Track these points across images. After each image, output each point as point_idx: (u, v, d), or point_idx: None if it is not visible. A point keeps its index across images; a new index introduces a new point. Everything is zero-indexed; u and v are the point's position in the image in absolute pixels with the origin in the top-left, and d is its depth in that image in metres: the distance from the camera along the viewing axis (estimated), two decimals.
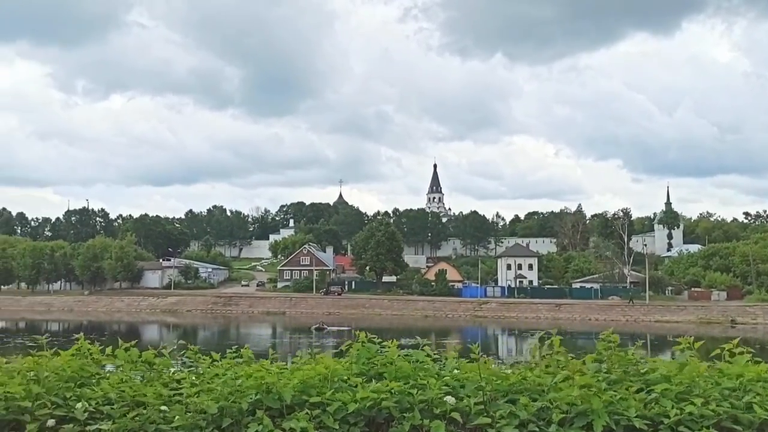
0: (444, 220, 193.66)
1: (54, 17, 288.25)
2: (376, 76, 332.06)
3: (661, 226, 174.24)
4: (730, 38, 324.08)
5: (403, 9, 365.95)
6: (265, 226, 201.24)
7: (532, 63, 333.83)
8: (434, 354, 4.26)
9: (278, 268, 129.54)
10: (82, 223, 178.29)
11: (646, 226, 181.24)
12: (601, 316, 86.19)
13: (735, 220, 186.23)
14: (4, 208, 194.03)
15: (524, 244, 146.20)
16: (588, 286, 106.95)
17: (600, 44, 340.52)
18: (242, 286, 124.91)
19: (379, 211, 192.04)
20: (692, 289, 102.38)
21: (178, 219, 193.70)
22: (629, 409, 3.29)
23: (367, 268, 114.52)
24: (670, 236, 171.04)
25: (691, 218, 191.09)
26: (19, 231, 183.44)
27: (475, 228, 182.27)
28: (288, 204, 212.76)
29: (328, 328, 70.96)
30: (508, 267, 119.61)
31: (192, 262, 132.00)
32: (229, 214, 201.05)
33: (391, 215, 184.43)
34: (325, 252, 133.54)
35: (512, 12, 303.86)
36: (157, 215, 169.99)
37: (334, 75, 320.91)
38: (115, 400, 3.61)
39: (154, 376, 4.09)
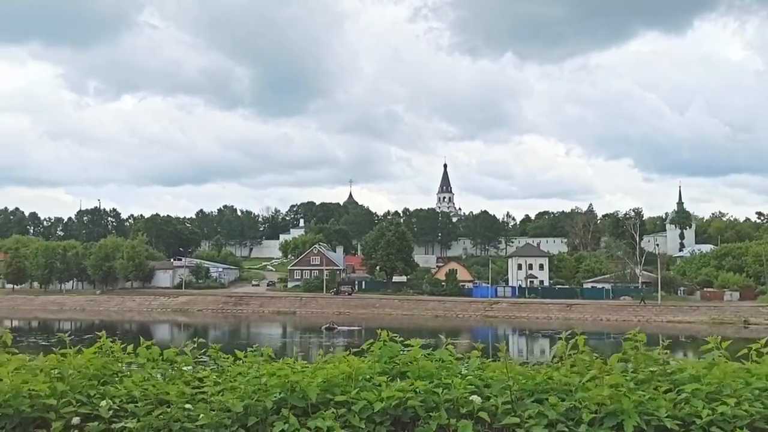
0: (454, 219, 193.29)
1: (66, 18, 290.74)
2: (386, 75, 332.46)
3: (673, 225, 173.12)
4: (742, 37, 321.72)
5: (412, 9, 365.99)
6: (275, 225, 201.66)
7: (542, 62, 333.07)
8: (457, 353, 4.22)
9: (288, 267, 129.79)
10: (94, 223, 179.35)
11: (657, 225, 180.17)
12: (613, 317, 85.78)
13: (747, 219, 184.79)
14: (16, 208, 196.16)
15: (535, 244, 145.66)
16: (599, 286, 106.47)
17: (611, 43, 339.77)
18: (253, 285, 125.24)
19: (389, 211, 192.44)
20: (704, 289, 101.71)
21: (188, 219, 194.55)
22: (659, 409, 3.26)
23: (378, 268, 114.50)
24: (682, 236, 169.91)
25: (703, 218, 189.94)
26: (31, 231, 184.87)
27: (486, 228, 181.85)
28: (298, 204, 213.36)
29: (339, 327, 71.05)
30: (519, 267, 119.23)
31: (203, 261, 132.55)
32: (239, 213, 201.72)
33: (401, 215, 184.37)
34: (335, 252, 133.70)
35: (522, 11, 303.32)
36: (168, 215, 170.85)
37: (344, 75, 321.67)
38: (139, 399, 3.60)
39: (175, 375, 4.08)
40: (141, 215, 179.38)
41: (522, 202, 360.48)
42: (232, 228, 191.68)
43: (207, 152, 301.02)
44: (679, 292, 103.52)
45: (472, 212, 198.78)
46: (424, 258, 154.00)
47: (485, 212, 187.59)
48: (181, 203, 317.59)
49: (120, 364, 4.22)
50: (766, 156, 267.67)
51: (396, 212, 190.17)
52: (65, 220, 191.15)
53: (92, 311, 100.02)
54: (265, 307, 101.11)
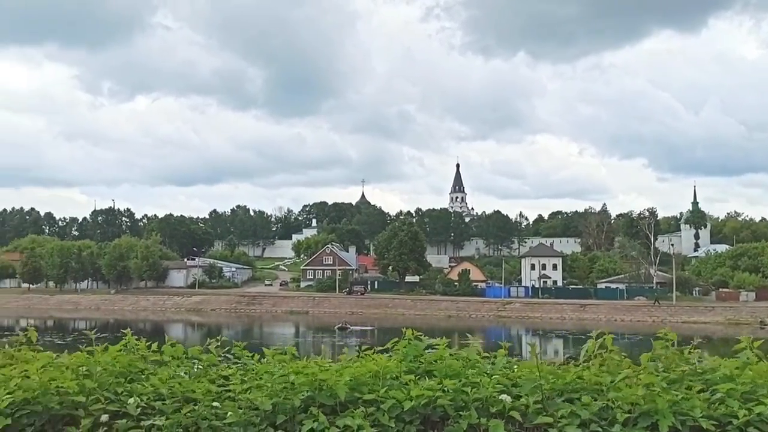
0: (467, 219, 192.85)
1: (81, 20, 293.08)
2: (399, 75, 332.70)
3: (687, 225, 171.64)
4: (758, 35, 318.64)
5: (425, 8, 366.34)
6: (288, 225, 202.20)
7: (555, 61, 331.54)
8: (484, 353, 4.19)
9: (301, 267, 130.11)
10: (108, 222, 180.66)
11: (672, 225, 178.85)
12: (627, 317, 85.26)
13: (763, 219, 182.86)
14: (32, 208, 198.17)
15: (548, 244, 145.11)
16: (613, 286, 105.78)
17: (624, 42, 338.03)
18: (266, 285, 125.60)
19: (401, 211, 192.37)
20: (720, 289, 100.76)
21: (202, 219, 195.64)
22: (694, 409, 3.21)
23: (390, 267, 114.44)
24: (697, 236, 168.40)
25: (718, 218, 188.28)
26: (47, 231, 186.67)
27: (498, 228, 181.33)
28: (311, 204, 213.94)
29: (351, 327, 71.18)
30: (532, 267, 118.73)
31: (216, 261, 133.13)
32: (252, 213, 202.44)
33: (414, 215, 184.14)
34: (347, 252, 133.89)
35: (535, 10, 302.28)
36: (181, 215, 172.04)
37: (356, 75, 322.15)
38: (166, 396, 3.59)
39: (201, 373, 4.07)
40: (155, 215, 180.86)
41: (535, 202, 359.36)
42: (245, 228, 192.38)
43: (220, 152, 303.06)
44: (694, 292, 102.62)
45: (484, 212, 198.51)
46: (436, 258, 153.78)
47: (498, 212, 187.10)
48: (195, 203, 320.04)
49: (145, 362, 4.22)
50: None
51: (408, 212, 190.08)
52: (80, 220, 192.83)
53: (107, 310, 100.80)
54: (278, 307, 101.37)
